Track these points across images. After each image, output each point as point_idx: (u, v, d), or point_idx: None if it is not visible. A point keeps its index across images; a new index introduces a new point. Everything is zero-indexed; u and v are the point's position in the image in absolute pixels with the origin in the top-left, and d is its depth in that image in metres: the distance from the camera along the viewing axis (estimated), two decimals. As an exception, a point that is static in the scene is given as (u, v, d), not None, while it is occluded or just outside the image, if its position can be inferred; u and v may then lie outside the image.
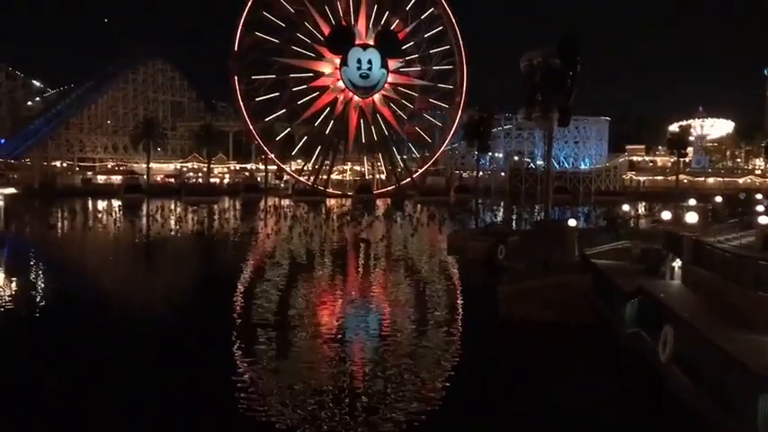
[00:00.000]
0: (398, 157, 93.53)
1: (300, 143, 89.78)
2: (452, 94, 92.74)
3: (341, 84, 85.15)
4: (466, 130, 54.31)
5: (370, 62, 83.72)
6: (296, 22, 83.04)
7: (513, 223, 50.51)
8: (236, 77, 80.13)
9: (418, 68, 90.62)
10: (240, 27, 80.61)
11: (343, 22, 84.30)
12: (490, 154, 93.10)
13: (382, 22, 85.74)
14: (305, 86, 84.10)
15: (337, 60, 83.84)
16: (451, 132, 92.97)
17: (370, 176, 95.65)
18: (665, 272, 20.34)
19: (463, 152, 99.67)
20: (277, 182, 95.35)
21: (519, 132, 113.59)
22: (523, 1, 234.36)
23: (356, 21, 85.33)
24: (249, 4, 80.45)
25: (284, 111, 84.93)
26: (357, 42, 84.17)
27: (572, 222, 29.30)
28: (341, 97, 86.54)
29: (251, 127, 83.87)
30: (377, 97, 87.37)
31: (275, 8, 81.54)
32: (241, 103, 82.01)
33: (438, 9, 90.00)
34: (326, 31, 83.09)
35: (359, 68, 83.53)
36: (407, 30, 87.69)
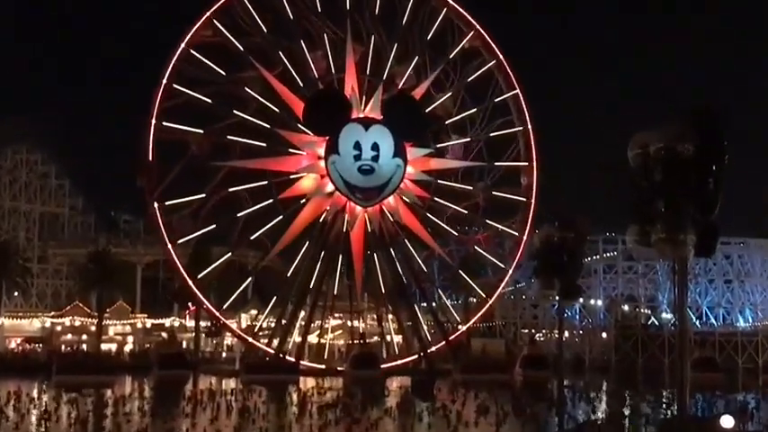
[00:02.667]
0: (427, 307, 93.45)
1: (252, 280, 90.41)
2: (516, 203, 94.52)
3: (329, 185, 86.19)
4: (539, 259, 55.82)
5: (375, 147, 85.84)
6: (243, 97, 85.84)
7: (626, 423, 50.26)
8: (154, 205, 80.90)
9: (456, 142, 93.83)
10: (155, 108, 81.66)
11: (323, 83, 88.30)
12: (581, 301, 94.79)
13: (385, 77, 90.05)
14: (269, 202, 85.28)
15: (321, 149, 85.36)
16: (514, 262, 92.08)
17: (375, 338, 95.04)
18: None
19: (535, 297, 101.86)
20: (215, 348, 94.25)
21: (629, 265, 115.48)
22: (614, 49, 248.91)
23: (342, 79, 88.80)
24: (176, 57, 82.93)
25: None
26: (354, 116, 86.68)
27: (727, 422, 29.96)
28: (328, 206, 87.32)
29: (175, 258, 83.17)
30: (390, 201, 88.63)
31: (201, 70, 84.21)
32: (162, 228, 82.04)
33: (473, 42, 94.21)
34: (296, 104, 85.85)
35: (358, 158, 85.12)
36: (426, 84, 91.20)
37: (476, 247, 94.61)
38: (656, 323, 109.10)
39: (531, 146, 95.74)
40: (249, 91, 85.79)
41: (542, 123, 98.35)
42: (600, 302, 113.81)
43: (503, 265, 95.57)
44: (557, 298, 56.62)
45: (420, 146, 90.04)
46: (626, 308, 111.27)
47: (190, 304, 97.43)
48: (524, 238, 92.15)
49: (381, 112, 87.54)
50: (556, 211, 63.70)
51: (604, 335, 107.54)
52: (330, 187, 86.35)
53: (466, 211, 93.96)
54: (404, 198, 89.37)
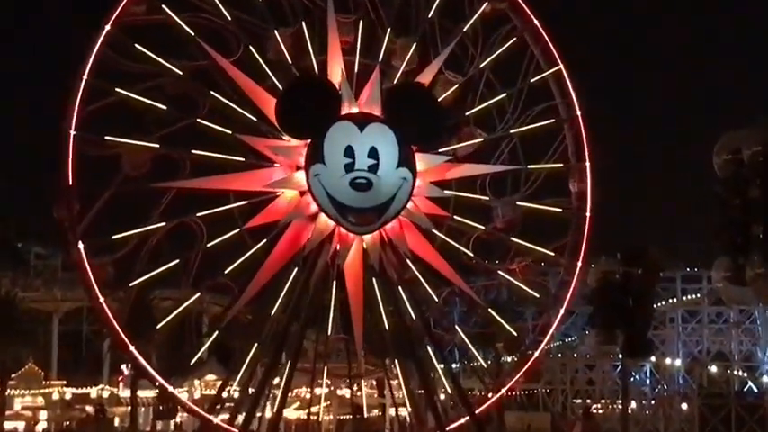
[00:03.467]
0: (445, 368, 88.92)
1: (214, 336, 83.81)
2: (563, 220, 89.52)
3: (311, 205, 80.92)
4: (595, 303, 57.43)
5: (374, 154, 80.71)
6: (192, 94, 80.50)
7: None
8: (79, 244, 75.49)
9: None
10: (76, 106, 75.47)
11: (299, 69, 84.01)
12: (653, 360, 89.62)
13: (381, 57, 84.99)
14: (234, 233, 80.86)
15: (300, 158, 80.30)
16: (563, 307, 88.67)
17: (376, 412, 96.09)
18: None
19: (590, 353, 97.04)
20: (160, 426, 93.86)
21: (718, 312, 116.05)
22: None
23: (325, 63, 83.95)
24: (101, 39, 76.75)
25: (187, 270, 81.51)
26: (344, 112, 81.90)
27: None
28: (311, 234, 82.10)
29: (109, 315, 77.30)
30: (394, 225, 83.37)
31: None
32: (89, 275, 76.00)
33: (498, 3, 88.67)
34: (263, 99, 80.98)
35: (350, 168, 79.80)
36: (437, 64, 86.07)
37: (510, 279, 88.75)
38: (755, 389, 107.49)
39: (582, 140, 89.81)
40: (200, 85, 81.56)
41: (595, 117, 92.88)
42: (678, 362, 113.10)
43: (546, 310, 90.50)
44: (620, 356, 58.42)
45: (433, 148, 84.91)
46: (714, 369, 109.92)
47: (124, 367, 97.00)
48: (577, 269, 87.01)
49: (382, 107, 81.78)
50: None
51: (684, 405, 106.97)
52: (313, 207, 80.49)
53: (496, 233, 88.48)
54: (413, 221, 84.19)
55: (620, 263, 56.40)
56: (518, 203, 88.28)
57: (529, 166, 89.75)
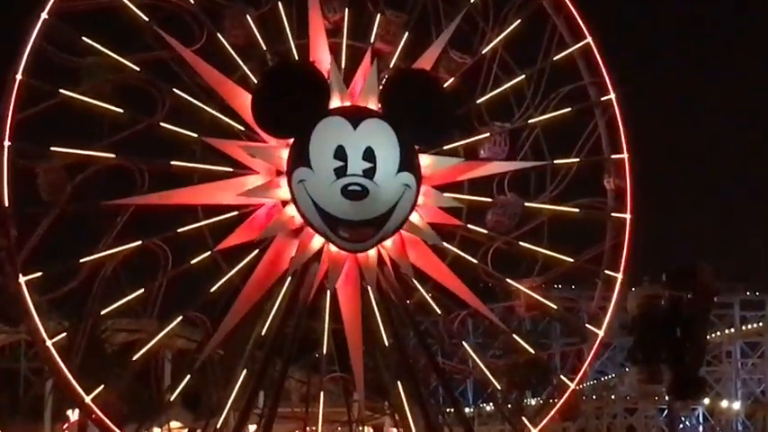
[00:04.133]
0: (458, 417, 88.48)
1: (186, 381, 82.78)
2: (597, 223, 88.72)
3: (296, 217, 79.26)
4: (637, 333, 58.83)
5: (370, 156, 79.03)
6: (149, 91, 78.64)
7: None
8: (20, 279, 73.12)
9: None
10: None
11: (275, 55, 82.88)
12: (707, 402, 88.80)
13: (373, 38, 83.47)
14: (204, 257, 78.99)
15: (281, 161, 78.62)
16: (598, 337, 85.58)
17: None
18: None
19: (630, 394, 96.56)
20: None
21: None
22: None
23: (306, 48, 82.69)
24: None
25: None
26: (333, 105, 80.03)
27: None
28: (294, 252, 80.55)
29: (51, 349, 75.18)
30: (395, 241, 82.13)
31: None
32: (33, 315, 73.95)
33: None
34: (233, 93, 79.51)
35: (341, 173, 78.11)
36: (442, 42, 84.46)
37: (538, 299, 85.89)
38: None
39: (618, 127, 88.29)
40: (159, 81, 79.43)
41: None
42: (737, 405, 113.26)
43: (580, 340, 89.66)
44: (666, 397, 58.27)
45: (440, 146, 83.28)
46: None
47: (70, 412, 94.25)
48: (617, 284, 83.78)
49: (380, 99, 79.90)
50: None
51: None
52: (298, 221, 78.61)
53: (517, 243, 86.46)
54: (419, 236, 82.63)
55: (665, 285, 56.77)
56: (526, 204, 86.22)
57: (555, 161, 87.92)
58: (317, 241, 79.57)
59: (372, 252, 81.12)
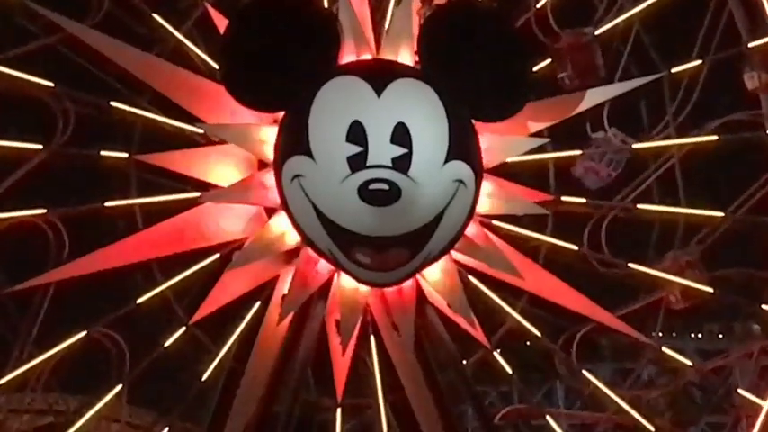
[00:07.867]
0: None
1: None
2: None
3: (288, 234, 60.54)
4: None
5: (402, 136, 59.16)
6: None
7: None
8: None
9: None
10: None
11: None
12: None
13: None
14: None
15: (266, 144, 60.19)
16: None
17: None
18: None
19: None
20: None
21: None
22: None
23: None
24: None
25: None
26: (346, 60, 60.61)
27: None
28: (286, 288, 61.56)
29: None
30: (444, 268, 62.85)
31: None
32: None
33: None
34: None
35: (359, 163, 58.83)
36: None
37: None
38: None
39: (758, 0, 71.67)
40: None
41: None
42: None
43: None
44: None
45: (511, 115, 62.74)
46: None
47: None
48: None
49: (417, 49, 60.19)
50: None
51: None
52: (292, 237, 59.55)
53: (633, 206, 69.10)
54: (486, 260, 62.91)
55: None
56: (635, 146, 67.16)
57: (673, 70, 67.41)
58: (323, 269, 59.51)
59: (408, 286, 60.26)
